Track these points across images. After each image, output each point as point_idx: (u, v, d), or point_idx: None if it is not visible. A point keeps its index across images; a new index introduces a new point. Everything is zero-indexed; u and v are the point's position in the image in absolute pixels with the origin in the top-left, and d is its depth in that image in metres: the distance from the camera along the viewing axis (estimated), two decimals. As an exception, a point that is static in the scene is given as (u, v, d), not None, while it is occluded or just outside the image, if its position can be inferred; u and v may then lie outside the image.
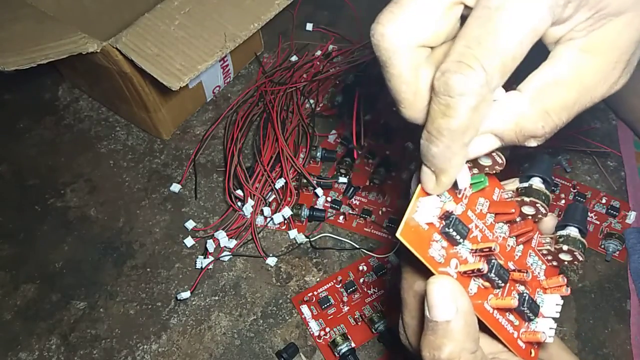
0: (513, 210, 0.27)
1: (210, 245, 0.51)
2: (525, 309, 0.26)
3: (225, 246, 0.52)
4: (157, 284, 0.51)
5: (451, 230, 0.24)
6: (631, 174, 0.56)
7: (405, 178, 0.55)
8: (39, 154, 0.60)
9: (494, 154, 0.24)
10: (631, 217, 0.52)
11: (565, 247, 0.27)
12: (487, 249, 0.25)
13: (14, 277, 0.52)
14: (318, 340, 0.46)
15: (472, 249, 0.26)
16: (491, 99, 0.21)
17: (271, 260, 0.51)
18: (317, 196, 0.53)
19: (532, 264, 0.29)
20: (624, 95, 0.58)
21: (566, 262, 0.28)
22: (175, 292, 0.50)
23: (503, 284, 0.26)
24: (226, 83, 0.64)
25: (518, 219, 0.28)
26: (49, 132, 0.62)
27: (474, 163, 0.25)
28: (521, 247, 0.28)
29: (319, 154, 0.56)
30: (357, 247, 0.52)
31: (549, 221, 0.29)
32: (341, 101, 0.61)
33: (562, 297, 0.28)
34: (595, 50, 0.22)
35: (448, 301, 0.23)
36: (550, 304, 0.27)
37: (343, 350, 0.45)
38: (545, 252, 0.29)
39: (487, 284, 0.26)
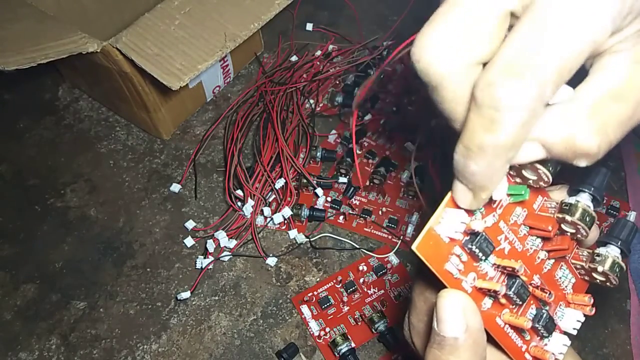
0: (550, 228, 0.25)
1: (210, 245, 0.51)
2: (540, 327, 0.25)
3: (225, 246, 0.52)
4: (157, 284, 0.51)
5: (474, 247, 0.23)
6: (631, 174, 0.56)
7: (405, 178, 0.55)
8: (39, 154, 0.60)
9: (540, 169, 0.22)
10: (631, 217, 0.51)
11: (600, 269, 0.25)
12: (511, 269, 0.23)
13: (14, 277, 0.52)
14: (318, 340, 0.46)
15: (494, 264, 0.24)
16: (542, 113, 0.19)
17: (271, 260, 0.51)
18: (317, 196, 0.53)
19: (561, 277, 0.27)
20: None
21: (598, 282, 0.27)
22: (175, 292, 0.50)
23: (521, 303, 0.24)
24: (226, 83, 0.64)
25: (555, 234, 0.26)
26: (49, 132, 0.62)
27: (517, 172, 0.23)
28: (552, 261, 0.27)
29: (319, 154, 0.56)
30: (357, 247, 0.52)
31: (590, 233, 0.27)
32: (341, 101, 0.61)
33: (585, 316, 0.26)
34: None
35: (458, 318, 0.22)
36: (571, 319, 0.26)
37: (343, 350, 0.45)
38: (579, 266, 0.27)
39: (503, 300, 0.24)
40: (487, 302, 0.24)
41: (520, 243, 0.25)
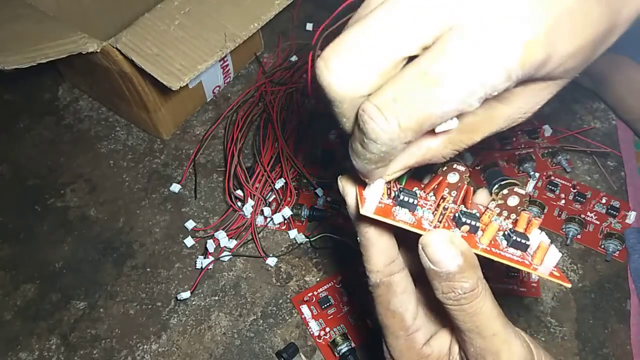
0: (440, 177, 0.29)
1: (210, 245, 0.51)
2: (514, 237, 0.27)
3: (225, 246, 0.52)
4: (157, 284, 0.51)
5: (402, 196, 0.26)
6: (631, 174, 0.56)
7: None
8: (39, 154, 0.60)
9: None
10: (631, 217, 0.52)
11: (505, 191, 0.28)
12: (442, 199, 0.27)
13: (14, 277, 0.52)
14: (318, 340, 0.46)
15: (433, 213, 0.27)
16: (403, 148, 0.22)
17: (271, 260, 0.51)
18: (317, 196, 0.53)
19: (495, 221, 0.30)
20: (624, 95, 0.58)
21: (519, 206, 0.29)
22: (175, 292, 0.50)
23: (477, 223, 0.27)
24: (226, 83, 0.64)
25: (451, 193, 0.29)
26: (49, 132, 0.62)
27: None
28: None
29: (319, 154, 0.56)
30: (357, 247, 0.52)
31: (483, 195, 0.30)
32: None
33: (540, 229, 0.29)
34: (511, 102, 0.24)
35: (449, 247, 0.25)
36: (535, 237, 0.28)
37: (343, 350, 0.45)
38: (503, 215, 0.29)
39: (466, 228, 0.27)
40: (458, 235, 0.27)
41: (436, 207, 0.29)
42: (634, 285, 0.49)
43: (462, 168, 0.28)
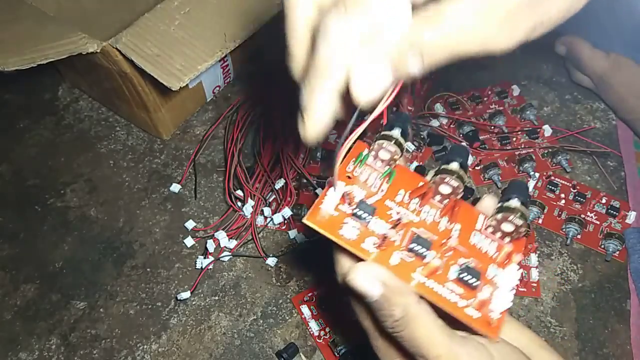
0: (421, 184, 0.29)
1: (210, 245, 0.51)
2: (465, 274, 0.26)
3: (225, 246, 0.52)
4: (157, 284, 0.51)
5: (357, 209, 0.27)
6: (631, 174, 0.56)
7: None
8: (39, 154, 0.60)
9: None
10: (631, 217, 0.52)
11: (499, 216, 0.28)
12: (397, 220, 0.27)
13: (14, 277, 0.52)
14: (318, 340, 0.46)
15: (390, 227, 0.28)
16: (354, 49, 0.22)
17: (271, 260, 0.51)
18: (317, 196, 0.53)
19: (477, 242, 0.29)
20: (624, 96, 0.58)
21: (512, 234, 0.28)
22: (175, 292, 0.50)
23: (426, 252, 0.27)
24: (226, 83, 0.64)
25: (438, 198, 0.29)
26: (49, 132, 0.62)
27: (496, 228, 0.28)
28: (459, 226, 0.29)
29: (319, 154, 0.56)
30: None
31: (489, 201, 0.30)
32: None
33: (519, 265, 0.28)
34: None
35: (368, 277, 0.25)
36: (509, 276, 0.27)
37: (343, 351, 0.45)
38: (491, 229, 0.29)
39: (411, 255, 0.27)
40: (395, 260, 0.27)
41: (414, 215, 0.29)
42: (634, 285, 0.49)
43: (455, 183, 0.28)
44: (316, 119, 0.25)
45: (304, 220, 0.27)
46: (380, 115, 0.25)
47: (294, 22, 0.24)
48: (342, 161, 0.27)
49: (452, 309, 0.26)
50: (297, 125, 0.26)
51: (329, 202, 0.27)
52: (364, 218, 0.27)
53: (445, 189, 0.28)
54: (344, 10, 0.21)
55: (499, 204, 0.28)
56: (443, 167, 0.28)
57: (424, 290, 0.26)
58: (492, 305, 0.26)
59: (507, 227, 0.28)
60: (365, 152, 0.30)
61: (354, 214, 0.27)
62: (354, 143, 0.27)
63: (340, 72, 0.23)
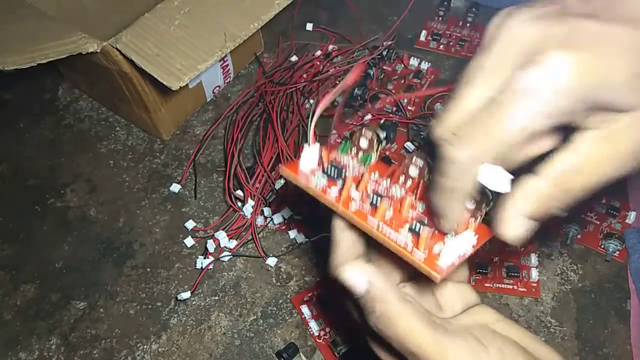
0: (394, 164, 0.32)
1: (211, 246, 0.51)
2: (418, 225, 0.28)
3: (225, 246, 0.52)
4: (157, 284, 0.51)
5: (329, 167, 0.30)
6: (631, 174, 0.56)
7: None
8: (39, 154, 0.60)
9: (369, 135, 0.32)
10: (631, 217, 0.52)
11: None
12: (361, 177, 0.30)
13: (14, 277, 0.52)
14: (318, 340, 0.46)
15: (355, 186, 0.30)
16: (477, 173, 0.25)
17: (271, 261, 0.51)
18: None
19: None
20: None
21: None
22: (175, 292, 0.50)
23: (380, 201, 0.29)
24: (226, 83, 0.64)
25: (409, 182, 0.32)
26: (49, 132, 0.62)
27: (357, 142, 0.32)
28: (424, 206, 0.31)
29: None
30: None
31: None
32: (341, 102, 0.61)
33: (476, 234, 0.29)
34: (607, 140, 0.24)
35: (359, 275, 0.27)
36: (462, 238, 0.28)
37: (343, 351, 0.45)
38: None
39: (368, 205, 0.29)
40: (354, 207, 0.29)
41: (384, 190, 0.31)
42: (634, 285, 0.49)
43: (421, 163, 0.31)
44: (455, 220, 0.28)
45: (280, 169, 0.30)
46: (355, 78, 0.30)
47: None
48: (315, 122, 0.30)
49: (400, 251, 0.27)
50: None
51: (305, 160, 0.30)
52: (333, 175, 0.30)
53: (413, 172, 0.31)
54: (469, 143, 0.24)
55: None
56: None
57: (377, 234, 0.28)
58: (441, 254, 0.27)
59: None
60: (348, 143, 0.33)
61: (324, 170, 0.30)
62: (327, 107, 0.30)
63: (469, 190, 0.26)
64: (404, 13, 0.67)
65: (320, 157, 0.31)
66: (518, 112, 0.23)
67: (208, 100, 0.64)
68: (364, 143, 0.32)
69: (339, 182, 0.30)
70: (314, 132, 0.30)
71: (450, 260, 0.27)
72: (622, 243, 0.50)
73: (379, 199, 0.29)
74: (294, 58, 0.65)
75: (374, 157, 0.32)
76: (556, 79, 0.22)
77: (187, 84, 0.48)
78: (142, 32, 0.50)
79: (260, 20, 0.53)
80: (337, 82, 0.63)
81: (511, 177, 0.25)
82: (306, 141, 0.30)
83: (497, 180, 0.25)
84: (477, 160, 0.24)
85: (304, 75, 0.62)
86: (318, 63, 0.64)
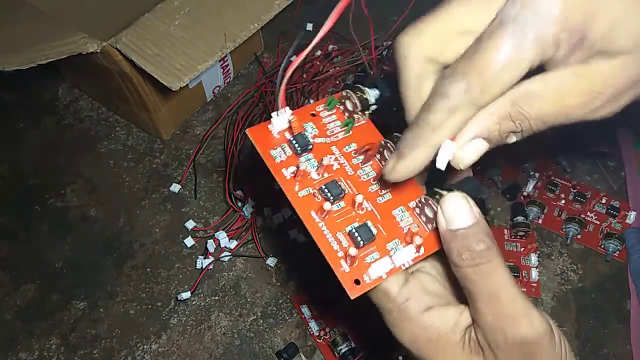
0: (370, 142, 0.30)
1: (211, 246, 0.51)
2: (357, 233, 0.27)
3: (225, 246, 0.52)
4: (157, 284, 0.51)
5: (293, 140, 0.28)
6: (631, 174, 0.56)
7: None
8: (39, 154, 0.60)
9: (352, 98, 0.30)
10: (631, 217, 0.52)
11: (423, 198, 0.27)
12: (328, 166, 0.29)
13: (14, 277, 0.52)
14: (318, 340, 0.46)
15: (317, 166, 0.29)
16: (468, 112, 0.24)
17: (271, 261, 0.51)
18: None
19: (398, 215, 0.29)
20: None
21: (432, 220, 0.28)
22: (175, 292, 0.50)
23: (334, 199, 0.28)
24: (226, 83, 0.64)
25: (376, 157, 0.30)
26: (49, 132, 0.62)
27: (344, 107, 0.31)
28: (389, 196, 0.29)
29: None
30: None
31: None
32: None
33: (418, 249, 0.28)
34: (585, 77, 0.24)
35: (465, 205, 0.26)
36: (403, 255, 0.27)
37: (343, 350, 0.45)
38: (417, 210, 0.29)
39: (319, 195, 0.28)
40: (303, 192, 0.28)
41: (352, 169, 0.30)
42: (634, 285, 0.49)
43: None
44: (410, 167, 0.26)
45: (246, 130, 0.29)
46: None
47: (408, 79, 0.26)
48: (284, 86, 0.29)
49: (329, 254, 0.27)
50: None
51: (274, 124, 0.29)
52: (297, 149, 0.28)
53: (348, 104, 0.30)
54: (462, 78, 0.23)
55: (434, 189, 0.29)
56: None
57: (313, 227, 0.27)
58: (370, 269, 0.27)
59: (428, 211, 0.28)
60: (336, 99, 0.31)
61: (290, 142, 0.29)
62: (294, 71, 0.30)
63: (450, 133, 0.25)
64: (404, 13, 0.66)
65: (290, 126, 0.29)
66: (504, 41, 0.23)
67: (208, 100, 0.64)
68: (349, 105, 0.31)
69: (303, 157, 0.29)
70: (284, 95, 0.29)
71: (377, 274, 0.26)
72: (622, 243, 0.50)
73: (335, 190, 0.28)
74: (294, 58, 0.65)
75: (354, 124, 0.31)
76: (539, 4, 0.22)
77: (187, 84, 0.48)
78: (142, 32, 0.50)
79: (260, 20, 0.52)
80: (337, 82, 0.63)
81: (450, 157, 0.25)
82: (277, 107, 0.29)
83: (443, 156, 0.25)
84: (470, 94, 0.24)
85: (304, 75, 0.62)
86: (318, 63, 0.64)
